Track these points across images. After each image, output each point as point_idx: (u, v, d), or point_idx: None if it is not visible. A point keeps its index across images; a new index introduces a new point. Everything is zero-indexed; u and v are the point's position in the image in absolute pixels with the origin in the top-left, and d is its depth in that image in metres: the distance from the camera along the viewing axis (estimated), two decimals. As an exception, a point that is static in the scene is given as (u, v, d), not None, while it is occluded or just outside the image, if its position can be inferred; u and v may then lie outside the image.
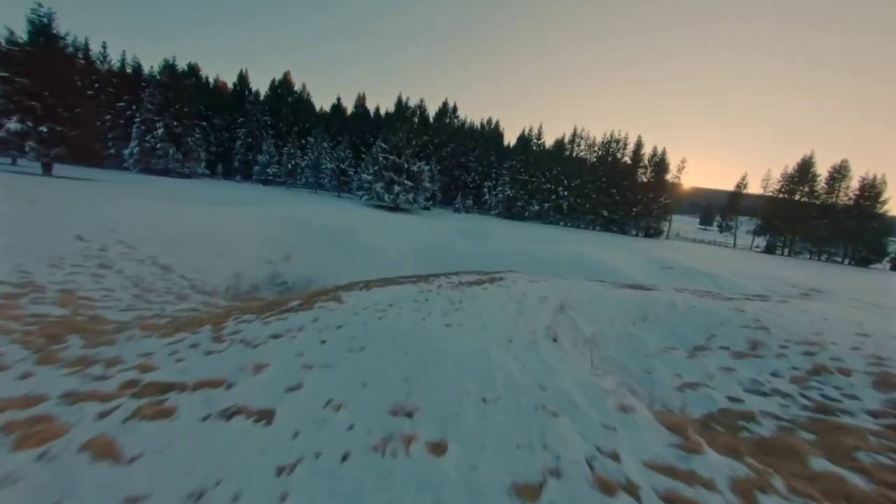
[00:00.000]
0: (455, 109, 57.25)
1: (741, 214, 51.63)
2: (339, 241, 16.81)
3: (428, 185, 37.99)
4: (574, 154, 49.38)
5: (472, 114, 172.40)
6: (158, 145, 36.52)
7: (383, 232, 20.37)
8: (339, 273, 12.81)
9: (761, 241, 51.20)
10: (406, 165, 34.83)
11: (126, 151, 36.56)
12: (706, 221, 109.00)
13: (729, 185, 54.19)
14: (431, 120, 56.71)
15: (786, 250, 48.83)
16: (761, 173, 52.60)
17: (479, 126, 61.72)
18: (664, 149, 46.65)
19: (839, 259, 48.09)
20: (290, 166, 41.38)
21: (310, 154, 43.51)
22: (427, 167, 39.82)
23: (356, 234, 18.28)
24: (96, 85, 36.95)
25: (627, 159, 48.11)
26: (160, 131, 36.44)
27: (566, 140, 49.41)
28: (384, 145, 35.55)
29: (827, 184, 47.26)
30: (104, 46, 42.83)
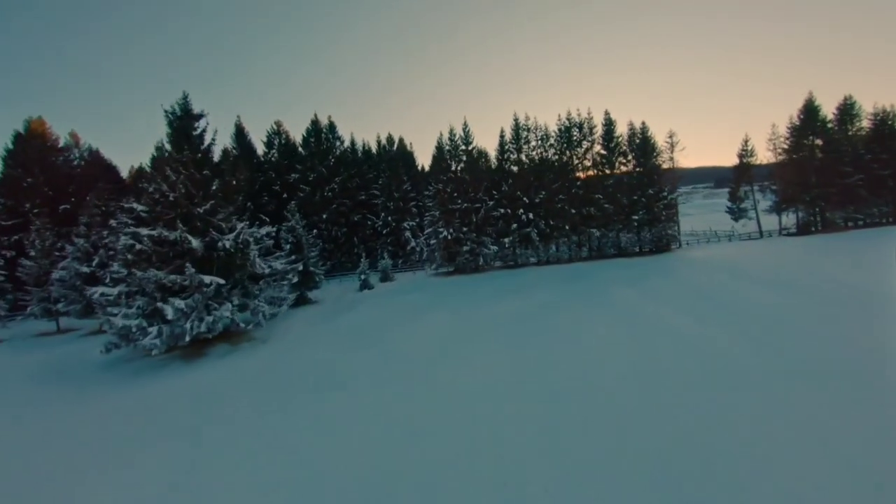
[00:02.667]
0: (333, 127, 38.09)
1: (748, 190, 38.97)
2: None
3: (279, 264, 17.66)
4: (524, 155, 32.83)
5: (361, 134, 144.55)
6: None
7: None
8: None
9: (786, 219, 38.69)
10: (196, 244, 14.37)
11: None
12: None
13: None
14: (299, 148, 36.83)
15: (819, 225, 36.63)
16: (718, 146, 38.94)
17: (376, 147, 43.28)
18: (643, 122, 32.18)
19: (878, 221, 36.99)
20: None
21: (35, 258, 20.85)
22: (284, 227, 19.81)
23: None
24: None
25: (599, 147, 32.79)
26: None
27: (508, 139, 32.78)
28: (136, 206, 14.83)
29: (837, 127, 36.48)
30: None
